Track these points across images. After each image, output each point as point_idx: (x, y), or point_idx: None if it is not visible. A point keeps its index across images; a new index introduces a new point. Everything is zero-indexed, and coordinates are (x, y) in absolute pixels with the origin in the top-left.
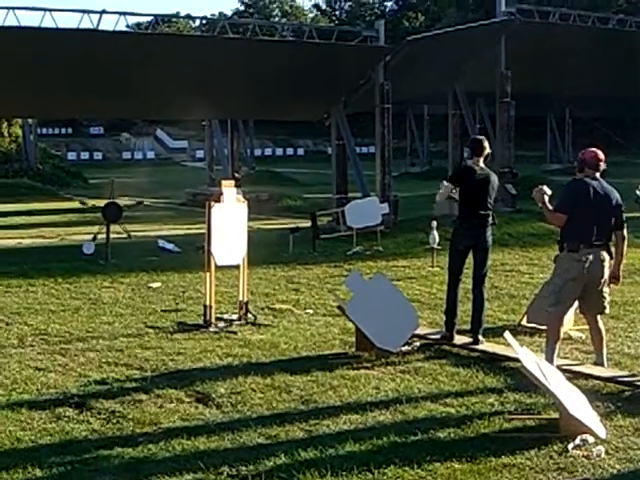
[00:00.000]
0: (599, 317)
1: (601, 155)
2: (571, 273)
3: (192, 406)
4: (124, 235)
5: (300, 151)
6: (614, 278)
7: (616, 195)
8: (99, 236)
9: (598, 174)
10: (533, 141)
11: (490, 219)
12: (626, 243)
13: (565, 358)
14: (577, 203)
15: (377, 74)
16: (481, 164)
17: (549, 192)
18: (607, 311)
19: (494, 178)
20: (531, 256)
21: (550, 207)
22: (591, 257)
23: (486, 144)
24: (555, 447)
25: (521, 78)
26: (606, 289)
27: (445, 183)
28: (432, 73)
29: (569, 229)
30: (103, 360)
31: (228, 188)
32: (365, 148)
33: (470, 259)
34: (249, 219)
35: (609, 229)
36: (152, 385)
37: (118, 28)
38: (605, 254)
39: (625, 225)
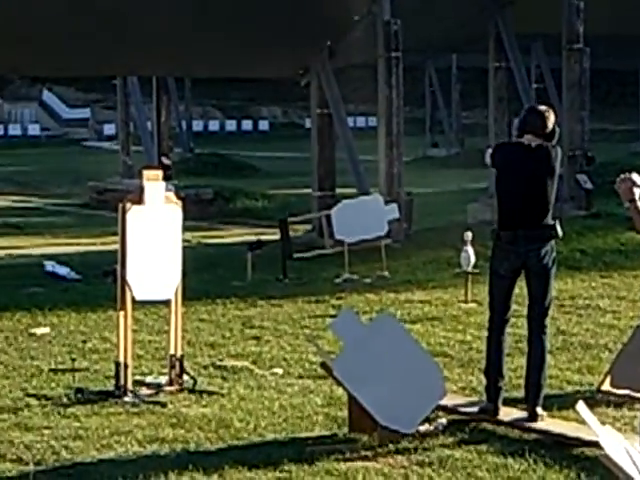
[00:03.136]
0: None
1: None
2: None
3: None
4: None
5: (263, 125)
6: None
7: None
8: None
9: None
10: (619, 108)
11: (548, 228)
12: None
13: None
14: None
15: (380, 7)
16: (535, 144)
17: None
18: None
19: (555, 155)
20: (616, 284)
21: None
22: None
23: (551, 119)
24: None
25: (601, 13)
26: None
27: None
28: (463, 5)
29: None
30: None
31: (152, 182)
32: (362, 119)
33: (524, 290)
34: (185, 229)
35: None
36: None
37: None
38: None
39: None
